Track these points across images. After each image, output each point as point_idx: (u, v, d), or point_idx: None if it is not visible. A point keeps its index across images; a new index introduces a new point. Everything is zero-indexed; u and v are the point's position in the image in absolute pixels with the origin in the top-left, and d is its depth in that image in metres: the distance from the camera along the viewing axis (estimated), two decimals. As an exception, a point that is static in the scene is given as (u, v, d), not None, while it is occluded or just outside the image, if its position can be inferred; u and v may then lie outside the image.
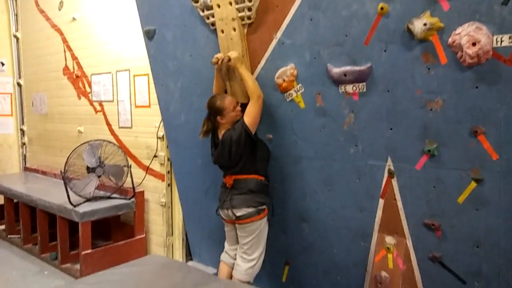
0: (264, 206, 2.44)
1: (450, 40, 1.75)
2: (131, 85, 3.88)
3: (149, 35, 3.02)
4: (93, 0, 4.24)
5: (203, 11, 2.56)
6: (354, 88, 2.07)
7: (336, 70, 2.10)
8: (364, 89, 2.04)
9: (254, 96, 2.35)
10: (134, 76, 3.83)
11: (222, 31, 2.46)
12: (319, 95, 2.22)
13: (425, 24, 1.78)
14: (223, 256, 2.71)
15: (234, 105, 2.43)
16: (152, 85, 3.61)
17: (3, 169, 5.61)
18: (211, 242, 3.25)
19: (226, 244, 2.70)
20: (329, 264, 2.46)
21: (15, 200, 4.31)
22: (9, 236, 4.38)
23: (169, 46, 2.93)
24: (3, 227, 4.53)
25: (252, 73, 2.47)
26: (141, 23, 3.03)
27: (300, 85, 2.28)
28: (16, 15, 5.48)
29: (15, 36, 5.50)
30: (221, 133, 2.48)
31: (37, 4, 5.05)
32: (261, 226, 2.45)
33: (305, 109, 2.30)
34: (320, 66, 2.17)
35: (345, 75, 2.07)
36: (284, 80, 2.31)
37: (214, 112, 2.46)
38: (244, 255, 2.49)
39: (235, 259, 2.60)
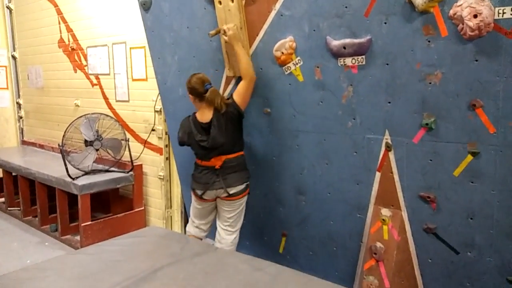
0: (249, 181, 2.58)
1: (451, 12, 1.73)
2: (127, 58, 3.83)
3: (145, 7, 2.96)
4: (87, -30, 4.13)
5: (200, -19, 2.50)
6: (353, 61, 2.06)
7: (335, 43, 2.08)
8: (363, 62, 2.03)
9: (247, 78, 2.38)
10: (130, 48, 3.78)
11: (220, 2, 2.42)
12: (318, 68, 2.21)
13: (426, -5, 1.75)
14: (194, 231, 2.78)
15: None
16: (149, 58, 3.56)
17: (1, 143, 5.60)
18: (209, 214, 3.29)
19: (196, 220, 2.76)
20: (325, 235, 2.50)
21: (14, 173, 4.33)
22: (9, 208, 4.42)
23: (166, 18, 2.88)
24: (2, 200, 4.56)
25: (250, 45, 2.44)
26: (137, -6, 2.97)
27: (298, 58, 2.26)
28: (8, -15, 5.35)
29: (8, 7, 5.38)
30: (203, 115, 2.49)
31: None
32: (245, 199, 2.61)
33: (303, 82, 2.29)
34: (319, 39, 2.15)
35: (344, 47, 2.05)
36: (282, 53, 2.29)
37: (197, 93, 2.49)
38: (229, 227, 2.63)
39: (206, 232, 2.79)
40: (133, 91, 3.85)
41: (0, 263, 3.22)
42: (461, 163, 1.89)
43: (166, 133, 3.57)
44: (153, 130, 3.67)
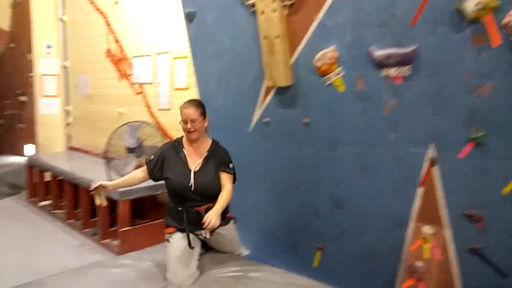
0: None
1: (504, 20, 1.64)
2: (170, 68, 3.94)
3: (189, 17, 3.04)
4: (136, -16, 4.31)
5: (243, -7, 2.54)
6: (398, 71, 2.00)
7: (379, 53, 2.03)
8: (408, 73, 1.97)
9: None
10: (173, 58, 3.89)
11: (262, 13, 2.44)
12: (360, 78, 2.16)
13: (477, 4, 1.68)
14: None
15: (187, 118, 2.36)
16: (191, 68, 3.65)
17: (49, 148, 5.89)
18: (244, 224, 3.27)
19: None
20: (362, 251, 2.42)
21: (60, 177, 4.52)
22: (53, 211, 4.61)
23: (209, 28, 2.94)
24: (48, 202, 4.77)
25: (291, 55, 2.44)
26: (182, 5, 3.06)
27: (340, 68, 2.23)
28: (63, -1, 5.68)
29: (61, 20, 5.71)
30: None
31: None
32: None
33: (344, 93, 2.25)
34: (362, 49, 2.11)
35: (388, 57, 2.00)
36: (323, 63, 2.27)
37: None
38: None
39: None
40: (175, 100, 3.94)
41: (43, 264, 3.35)
42: (511, 181, 1.78)
43: (204, 142, 3.61)
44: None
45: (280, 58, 2.43)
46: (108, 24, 4.77)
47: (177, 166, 2.43)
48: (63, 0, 5.66)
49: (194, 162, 2.42)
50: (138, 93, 4.41)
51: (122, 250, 3.35)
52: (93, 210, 3.96)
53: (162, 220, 3.77)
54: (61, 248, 3.71)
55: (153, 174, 2.46)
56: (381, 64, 2.05)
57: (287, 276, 2.41)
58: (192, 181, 2.36)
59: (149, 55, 4.17)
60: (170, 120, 4.00)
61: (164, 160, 2.47)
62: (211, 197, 2.37)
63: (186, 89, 3.79)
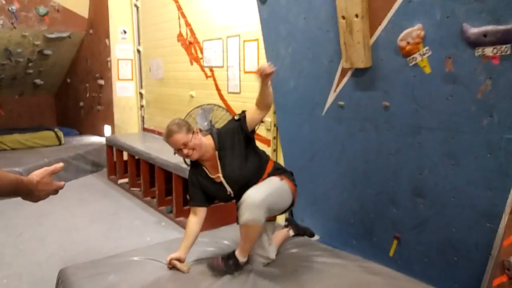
0: None
1: None
2: (240, 51, 3.95)
3: (262, -1, 2.99)
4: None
5: (320, -30, 2.44)
6: (495, 50, 1.81)
7: (473, 31, 1.85)
8: (508, 52, 1.78)
9: (266, 110, 2.37)
10: (243, 41, 3.89)
11: (341, -9, 2.33)
12: (449, 59, 2.00)
13: None
14: None
15: (178, 146, 2.20)
16: (261, 51, 3.63)
17: (125, 129, 6.25)
18: (314, 209, 3.25)
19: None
20: (445, 243, 2.28)
21: (136, 157, 4.79)
22: (131, 188, 4.91)
23: (282, 9, 2.88)
24: (126, 180, 5.08)
25: (371, 35, 2.31)
26: (255, -13, 3.01)
27: (427, 48, 2.07)
28: (137, -15, 5.88)
29: (135, 6, 5.94)
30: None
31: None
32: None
33: (430, 74, 2.10)
34: (454, 26, 1.94)
35: (485, 35, 1.82)
36: (408, 43, 2.12)
37: None
38: None
39: None
40: (245, 83, 3.95)
41: (125, 237, 3.59)
42: None
43: (274, 125, 3.61)
44: (262, 121, 3.72)
45: (359, 38, 2.31)
46: (179, 9, 4.88)
47: (209, 186, 2.30)
48: (136, -14, 5.86)
49: (215, 170, 2.28)
50: (208, 77, 4.49)
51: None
52: (168, 188, 4.16)
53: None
54: (140, 223, 3.95)
55: (203, 202, 2.31)
56: (475, 43, 1.87)
57: (363, 262, 2.37)
58: (228, 189, 2.26)
59: (219, 38, 4.20)
60: (240, 103, 4.04)
61: (199, 185, 2.32)
62: (256, 175, 2.26)
63: (256, 72, 3.77)
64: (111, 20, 5.95)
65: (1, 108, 7.62)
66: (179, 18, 4.91)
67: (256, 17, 3.59)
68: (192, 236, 2.30)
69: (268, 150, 3.72)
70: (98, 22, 6.28)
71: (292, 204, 2.41)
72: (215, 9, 4.25)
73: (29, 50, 6.47)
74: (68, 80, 7.56)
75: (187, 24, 4.77)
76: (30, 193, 1.26)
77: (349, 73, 2.55)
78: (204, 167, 2.32)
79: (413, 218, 2.42)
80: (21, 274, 2.92)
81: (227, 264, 2.17)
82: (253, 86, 3.83)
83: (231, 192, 2.27)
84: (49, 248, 3.38)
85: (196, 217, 2.31)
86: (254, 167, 2.29)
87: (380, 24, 2.25)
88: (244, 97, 3.97)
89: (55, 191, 1.35)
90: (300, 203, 3.43)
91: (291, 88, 3.05)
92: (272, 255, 2.35)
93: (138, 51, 6.06)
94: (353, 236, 2.87)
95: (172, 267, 2.24)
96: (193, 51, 4.72)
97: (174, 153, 2.26)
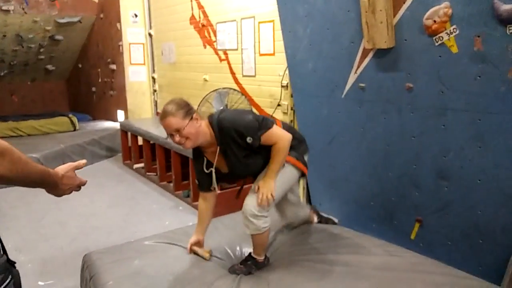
0: None
1: None
2: (255, 33, 3.88)
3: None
4: None
5: None
6: (529, 28, 1.75)
7: (506, 7, 1.78)
8: (543, 29, 1.71)
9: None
10: (258, 23, 3.82)
11: (363, -31, 2.25)
12: (479, 37, 1.93)
13: None
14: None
15: (170, 131, 1.97)
16: (277, 32, 3.57)
17: (138, 114, 6.25)
18: (333, 192, 3.23)
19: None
20: (470, 226, 2.26)
21: (151, 142, 4.79)
22: (147, 173, 4.94)
23: (300, -11, 2.81)
24: (142, 165, 5.11)
25: (395, 14, 2.24)
26: (272, -34, 2.93)
27: (454, 26, 2.00)
28: (147, -33, 5.79)
29: (146, -12, 5.86)
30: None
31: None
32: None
33: (457, 54, 2.04)
34: (484, 3, 1.87)
35: (518, 12, 1.75)
36: (434, 21, 2.05)
37: None
38: None
39: None
40: (260, 66, 3.90)
41: (144, 222, 3.62)
42: None
43: (291, 108, 3.57)
44: (278, 105, 3.69)
45: (382, 18, 2.25)
46: (191, -10, 4.80)
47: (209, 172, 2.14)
48: (146, -32, 5.77)
49: (214, 160, 2.10)
50: (222, 60, 4.44)
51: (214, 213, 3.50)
52: (184, 173, 4.17)
53: (250, 185, 3.88)
54: (158, 208, 3.98)
55: (210, 186, 2.16)
56: (507, 21, 1.80)
57: (385, 245, 2.35)
58: (214, 183, 2.13)
59: (233, 20, 4.13)
60: (255, 86, 3.99)
61: (203, 171, 2.16)
62: (262, 166, 2.11)
63: (272, 54, 3.72)
64: (122, 3, 5.88)
65: (15, 94, 7.67)
66: (191, 1, 4.84)
67: (272, -2, 3.51)
68: (205, 220, 2.24)
69: (284, 134, 3.69)
70: (108, 6, 6.22)
71: (303, 175, 2.29)
72: (228, -10, 4.17)
73: (40, 35, 6.45)
74: (80, 66, 7.55)
75: (200, 7, 4.69)
76: (55, 186, 1.26)
77: (370, 54, 2.49)
78: (204, 155, 2.14)
79: (437, 201, 2.39)
80: (45, 259, 2.97)
81: (247, 265, 2.13)
82: (269, 68, 3.78)
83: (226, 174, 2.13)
84: (70, 232, 3.43)
85: (206, 202, 2.23)
86: (258, 162, 2.10)
87: (404, 3, 2.18)
88: (259, 80, 3.92)
89: (78, 187, 1.37)
90: (319, 186, 3.43)
91: (309, 70, 3.00)
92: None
93: (150, 35, 6.01)
94: (373, 219, 2.85)
95: (193, 253, 2.23)
96: (206, 34, 4.66)
97: (166, 137, 2.05)
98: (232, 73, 4.30)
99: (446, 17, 2.00)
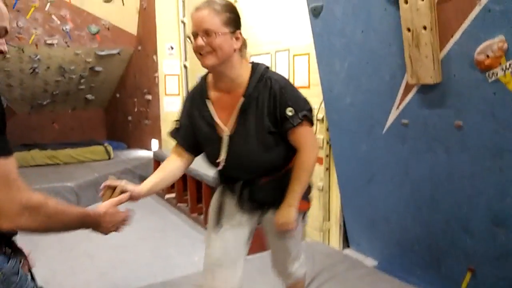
0: None
1: None
2: (290, 65, 3.82)
3: (315, 12, 2.86)
4: (255, -20, 4.27)
5: (382, -20, 2.27)
6: None
7: None
8: None
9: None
10: (293, 56, 3.76)
11: (406, 1, 2.14)
12: (539, 73, 1.76)
13: None
14: None
15: (197, 28, 1.48)
16: (312, 65, 3.49)
17: (172, 143, 6.25)
18: (372, 233, 3.04)
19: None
20: (531, 280, 2.02)
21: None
22: (178, 204, 4.89)
23: (338, 22, 2.73)
24: (173, 195, 5.07)
25: (441, 48, 2.10)
26: (308, 0, 2.89)
27: (510, 62, 1.84)
28: (183, 1, 5.94)
29: (182, 22, 6.00)
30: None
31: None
32: None
33: (514, 91, 1.87)
34: (545, 37, 1.71)
35: None
36: (487, 56, 1.90)
37: None
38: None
39: None
40: (294, 98, 3.81)
41: (173, 257, 3.53)
42: None
43: (327, 143, 3.44)
44: (314, 138, 3.57)
45: (427, 52, 2.12)
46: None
47: (202, 130, 1.61)
48: (184, 3, 5.92)
49: (225, 119, 1.57)
50: (256, 91, 4.39)
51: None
52: (215, 207, 4.07)
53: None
54: (188, 242, 3.89)
55: (187, 144, 1.66)
56: None
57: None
58: (222, 155, 1.56)
59: (268, 53, 4.11)
60: (289, 118, 3.90)
61: (192, 119, 1.65)
62: (265, 170, 1.62)
63: (307, 87, 3.63)
64: (159, 36, 6.03)
65: (56, 122, 7.94)
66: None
67: (307, 31, 3.46)
68: (163, 173, 1.64)
69: (320, 169, 3.55)
70: (146, 38, 6.40)
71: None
72: (263, 23, 4.16)
73: (81, 67, 6.70)
74: (117, 95, 7.76)
75: (234, 39, 4.71)
76: (98, 225, 1.24)
77: (414, 89, 2.35)
78: (209, 102, 1.60)
79: (492, 249, 2.16)
80: (73, 294, 2.92)
81: None
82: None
83: (224, 161, 1.57)
84: (99, 266, 3.38)
85: (177, 161, 1.68)
86: (271, 160, 1.60)
87: (452, 36, 2.04)
88: (294, 113, 3.83)
89: (124, 221, 1.33)
90: (356, 225, 3.23)
91: (347, 104, 2.88)
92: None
93: (185, 66, 6.10)
94: (417, 264, 2.63)
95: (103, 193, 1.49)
96: (240, 65, 4.65)
97: (188, 37, 1.57)
98: (266, 105, 4.24)
99: (501, 52, 1.85)
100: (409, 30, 2.17)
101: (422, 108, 2.33)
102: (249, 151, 1.58)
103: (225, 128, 1.59)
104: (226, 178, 1.73)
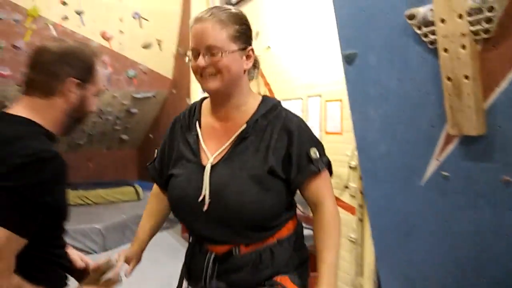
0: None
1: None
2: (321, 111, 3.76)
3: (349, 60, 2.82)
4: (288, 29, 4.34)
5: (419, 29, 2.21)
6: None
7: None
8: None
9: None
10: (325, 101, 3.71)
11: (445, 50, 2.07)
12: None
13: None
14: None
15: (199, 46, 1.25)
16: (345, 111, 3.42)
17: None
18: (410, 292, 2.79)
19: None
20: None
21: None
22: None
23: (372, 70, 2.67)
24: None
25: (486, 98, 1.98)
26: (341, 47, 2.86)
27: None
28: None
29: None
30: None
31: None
32: None
33: None
34: None
35: None
36: (538, 108, 1.77)
37: None
38: None
39: None
40: (326, 144, 3.65)
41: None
42: None
43: (360, 192, 3.28)
44: (345, 187, 3.43)
45: (469, 102, 2.00)
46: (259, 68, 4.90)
47: (183, 157, 1.34)
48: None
49: (214, 148, 1.29)
50: (286, 136, 4.34)
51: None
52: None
53: (314, 273, 3.53)
54: None
55: (159, 176, 1.44)
56: None
57: None
58: (205, 189, 1.22)
59: (299, 98, 4.08)
60: (320, 165, 3.79)
61: (171, 148, 1.41)
62: (253, 227, 1.26)
63: (339, 133, 3.54)
64: (193, 79, 6.18)
65: (91, 161, 8.15)
66: (258, 78, 4.92)
67: (339, 76, 3.42)
68: (152, 226, 1.46)
69: (352, 219, 3.38)
70: (181, 82, 6.58)
71: None
72: (296, 68, 4.18)
73: (117, 108, 6.93)
74: (151, 136, 7.93)
75: (266, 84, 4.74)
76: None
77: (455, 141, 2.21)
78: (199, 128, 1.35)
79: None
80: None
81: None
82: (335, 148, 3.58)
83: (206, 199, 1.21)
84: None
85: (160, 203, 1.52)
86: (263, 207, 1.24)
87: (497, 86, 1.93)
88: (325, 159, 3.72)
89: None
90: (392, 283, 2.99)
91: (382, 153, 2.75)
92: None
93: (217, 109, 6.17)
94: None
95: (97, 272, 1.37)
96: (271, 110, 4.65)
97: (186, 54, 1.26)
98: (297, 150, 4.16)
99: (553, 103, 1.71)
100: (449, 79, 2.08)
101: (464, 161, 2.18)
102: (236, 187, 1.21)
103: (210, 156, 1.26)
104: (195, 241, 1.39)
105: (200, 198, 1.22)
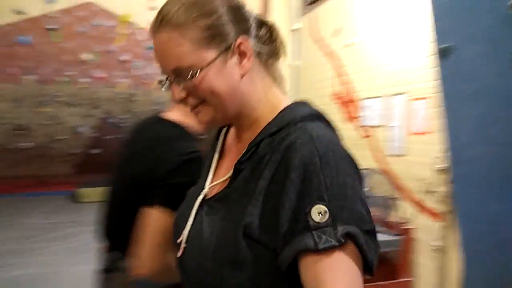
0: None
1: None
2: (406, 110, 3.57)
3: (444, 54, 2.64)
4: (373, 24, 4.20)
5: (529, 18, 2.00)
6: None
7: None
8: None
9: None
10: (411, 99, 3.52)
11: (562, 40, 1.85)
12: None
13: None
14: None
15: (164, 68, 0.85)
16: (430, 110, 3.21)
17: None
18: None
19: None
20: None
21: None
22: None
23: (469, 65, 2.47)
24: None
25: None
26: (437, 40, 2.69)
27: None
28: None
29: (290, 66, 6.12)
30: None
31: (312, 33, 5.47)
32: None
33: None
34: None
35: None
36: None
37: None
38: None
39: None
40: (409, 145, 3.53)
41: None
42: None
43: (449, 197, 3.06)
44: (432, 191, 3.22)
45: None
46: (338, 67, 4.79)
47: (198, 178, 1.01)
48: (293, 47, 6.06)
49: (222, 174, 0.90)
50: (365, 136, 4.19)
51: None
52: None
53: (391, 281, 3.36)
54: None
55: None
56: None
57: None
58: (186, 230, 0.85)
59: (381, 96, 3.92)
60: (403, 167, 3.60)
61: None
62: None
63: (424, 133, 3.34)
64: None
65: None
66: (336, 76, 4.82)
67: (425, 74, 3.26)
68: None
69: (437, 226, 3.16)
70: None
71: None
72: (379, 66, 4.01)
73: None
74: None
75: (345, 82, 4.63)
76: None
77: None
78: (220, 143, 0.99)
79: None
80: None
81: None
82: (421, 149, 3.38)
83: (182, 246, 0.85)
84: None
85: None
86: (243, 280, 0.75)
87: None
88: (409, 161, 3.53)
89: None
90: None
91: (477, 156, 2.54)
92: None
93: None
94: None
95: None
96: (349, 109, 4.52)
97: (160, 82, 0.87)
98: (375, 151, 4.00)
99: None
100: None
101: None
102: (206, 244, 0.79)
103: (207, 186, 0.91)
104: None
105: (179, 239, 0.87)
